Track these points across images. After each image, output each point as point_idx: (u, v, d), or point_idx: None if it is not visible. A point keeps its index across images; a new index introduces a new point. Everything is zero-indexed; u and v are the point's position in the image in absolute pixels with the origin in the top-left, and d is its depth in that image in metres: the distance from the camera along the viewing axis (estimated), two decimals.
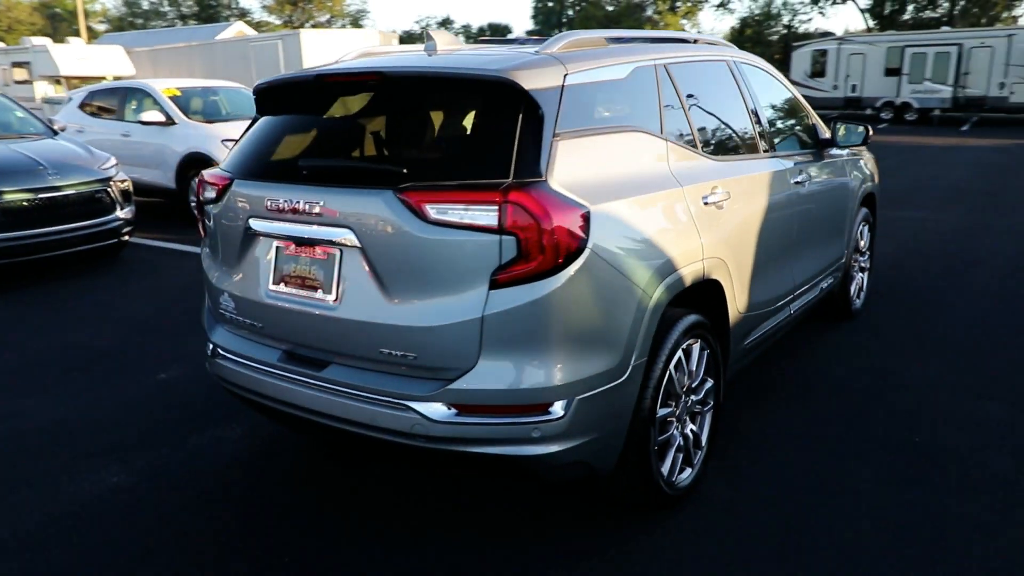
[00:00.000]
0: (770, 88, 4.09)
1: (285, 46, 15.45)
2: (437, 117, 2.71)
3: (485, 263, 2.28)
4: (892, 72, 28.87)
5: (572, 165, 2.41)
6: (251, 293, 2.79)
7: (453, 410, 2.36)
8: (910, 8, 39.54)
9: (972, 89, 27.40)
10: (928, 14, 38.76)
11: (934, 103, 28.18)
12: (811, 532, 2.79)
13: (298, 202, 2.55)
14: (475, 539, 2.78)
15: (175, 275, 6.94)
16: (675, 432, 2.88)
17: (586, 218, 2.34)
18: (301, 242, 2.61)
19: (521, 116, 2.37)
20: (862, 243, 5.26)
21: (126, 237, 7.36)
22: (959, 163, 14.96)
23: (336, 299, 2.54)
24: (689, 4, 48.41)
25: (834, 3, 41.99)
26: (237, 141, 3.07)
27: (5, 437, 3.74)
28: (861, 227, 5.16)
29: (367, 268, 2.46)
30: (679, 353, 2.79)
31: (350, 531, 2.85)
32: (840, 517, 2.88)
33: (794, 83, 28.64)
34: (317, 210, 2.51)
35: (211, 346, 3.01)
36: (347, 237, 2.47)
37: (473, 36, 59.81)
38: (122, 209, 7.24)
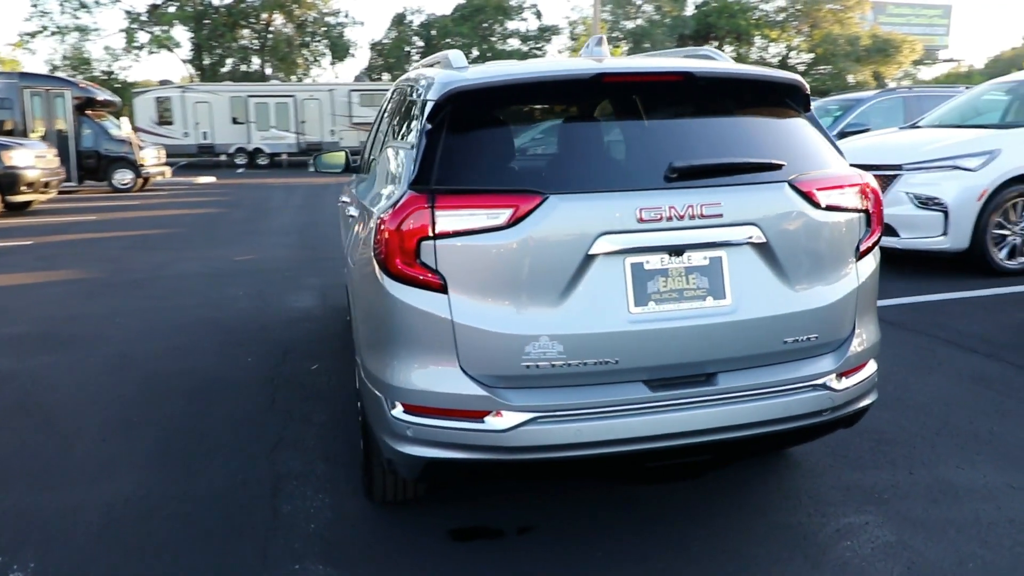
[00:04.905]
0: None
1: None
2: (735, 114, 2.70)
3: (853, 239, 2.62)
4: (239, 121, 30.73)
5: None
6: (597, 326, 2.32)
7: (843, 377, 2.61)
8: (229, 62, 42.18)
9: (310, 136, 31.33)
10: (244, 68, 42.04)
11: (282, 148, 31.24)
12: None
13: (690, 206, 2.33)
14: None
15: None
16: None
17: None
18: (675, 251, 2.36)
19: (808, 114, 2.74)
20: None
21: None
22: (334, 193, 17.55)
23: (730, 302, 2.42)
24: None
25: (152, 52, 41.58)
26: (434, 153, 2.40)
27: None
28: None
29: (765, 262, 2.45)
30: None
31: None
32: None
33: (142, 131, 27.85)
34: (718, 211, 2.36)
35: (507, 415, 2.30)
36: (751, 233, 2.41)
37: None
38: None
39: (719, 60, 2.89)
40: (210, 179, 22.56)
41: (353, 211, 3.31)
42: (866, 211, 2.65)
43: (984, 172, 6.40)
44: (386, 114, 3.86)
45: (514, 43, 41.11)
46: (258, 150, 30.90)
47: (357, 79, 36.08)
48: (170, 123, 30.76)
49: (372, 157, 4.20)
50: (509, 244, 2.29)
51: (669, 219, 2.34)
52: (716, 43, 41.92)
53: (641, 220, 2.32)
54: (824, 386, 2.54)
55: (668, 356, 2.40)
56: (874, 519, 2.91)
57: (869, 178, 2.68)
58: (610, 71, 2.48)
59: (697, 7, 41.99)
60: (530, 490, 3.17)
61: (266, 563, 2.74)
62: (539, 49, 40.89)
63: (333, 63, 43.54)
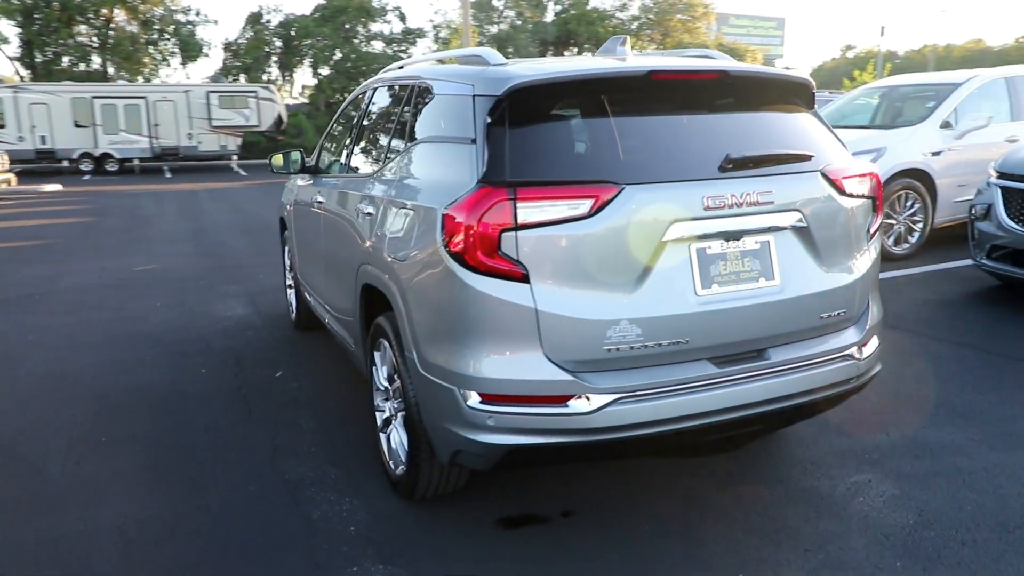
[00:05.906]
0: None
1: None
2: (761, 109, 2.86)
3: (866, 222, 2.90)
4: (83, 124, 28.46)
5: None
6: (670, 309, 2.45)
7: (863, 348, 2.88)
8: (65, 60, 38.85)
9: (165, 140, 29.48)
10: (83, 67, 38.91)
11: (134, 153, 29.21)
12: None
13: (748, 193, 2.51)
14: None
15: None
16: None
17: None
18: (732, 236, 2.54)
19: (814, 110, 3.00)
20: None
21: None
22: (206, 199, 16.99)
23: (778, 283, 2.62)
24: None
25: None
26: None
27: None
28: None
29: (804, 244, 2.68)
30: None
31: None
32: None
33: None
34: (770, 198, 2.55)
35: (590, 398, 2.38)
36: (797, 218, 2.62)
37: None
38: None
39: (720, 59, 3.11)
40: (56, 187, 20.74)
41: (367, 209, 3.25)
42: (874, 198, 2.94)
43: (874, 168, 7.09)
44: (377, 112, 3.81)
45: (378, 45, 40.57)
46: (106, 155, 28.65)
47: (213, 80, 34.16)
48: (1, 126, 28.01)
49: (340, 158, 4.14)
50: (590, 233, 2.38)
51: (730, 206, 2.51)
52: (576, 49, 43.28)
53: (707, 208, 2.48)
54: (851, 356, 2.81)
55: (729, 334, 2.58)
56: (874, 477, 3.22)
57: (876, 168, 2.97)
58: (658, 69, 2.62)
59: (557, 14, 43.22)
60: (562, 477, 3.25)
61: (320, 570, 2.67)
62: (404, 52, 40.56)
63: (184, 63, 41.09)
